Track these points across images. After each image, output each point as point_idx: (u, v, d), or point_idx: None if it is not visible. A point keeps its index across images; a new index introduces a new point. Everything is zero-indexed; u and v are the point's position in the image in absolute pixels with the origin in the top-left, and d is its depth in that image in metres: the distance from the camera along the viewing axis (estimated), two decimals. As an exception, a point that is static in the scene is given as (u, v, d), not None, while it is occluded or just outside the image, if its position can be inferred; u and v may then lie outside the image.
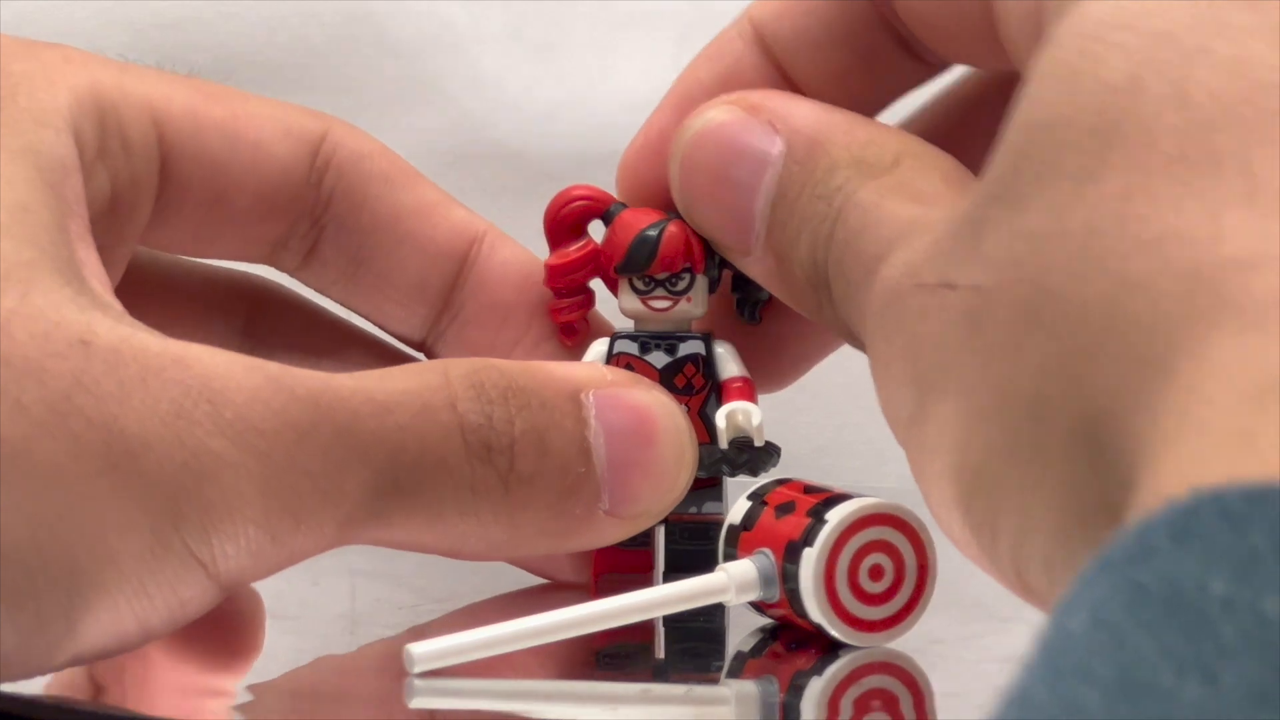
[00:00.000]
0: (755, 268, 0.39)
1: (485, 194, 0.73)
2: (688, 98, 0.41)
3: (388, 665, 0.42)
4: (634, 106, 0.80)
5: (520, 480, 0.37)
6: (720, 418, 0.42)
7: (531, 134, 0.74)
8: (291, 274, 0.44)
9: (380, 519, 0.36)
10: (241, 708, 0.39)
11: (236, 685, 0.41)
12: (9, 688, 0.36)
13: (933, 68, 0.41)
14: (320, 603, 0.47)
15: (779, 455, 0.43)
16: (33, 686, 0.36)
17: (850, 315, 0.36)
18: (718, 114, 0.39)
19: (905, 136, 0.37)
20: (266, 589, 0.49)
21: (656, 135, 0.42)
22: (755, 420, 0.42)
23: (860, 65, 0.40)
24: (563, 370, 0.39)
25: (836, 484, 0.42)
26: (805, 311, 0.38)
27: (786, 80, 0.41)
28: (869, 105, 0.41)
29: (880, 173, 0.36)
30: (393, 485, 0.35)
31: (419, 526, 0.36)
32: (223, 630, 0.42)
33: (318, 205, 0.42)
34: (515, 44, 0.75)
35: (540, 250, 0.45)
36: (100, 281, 0.36)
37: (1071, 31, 0.31)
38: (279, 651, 0.43)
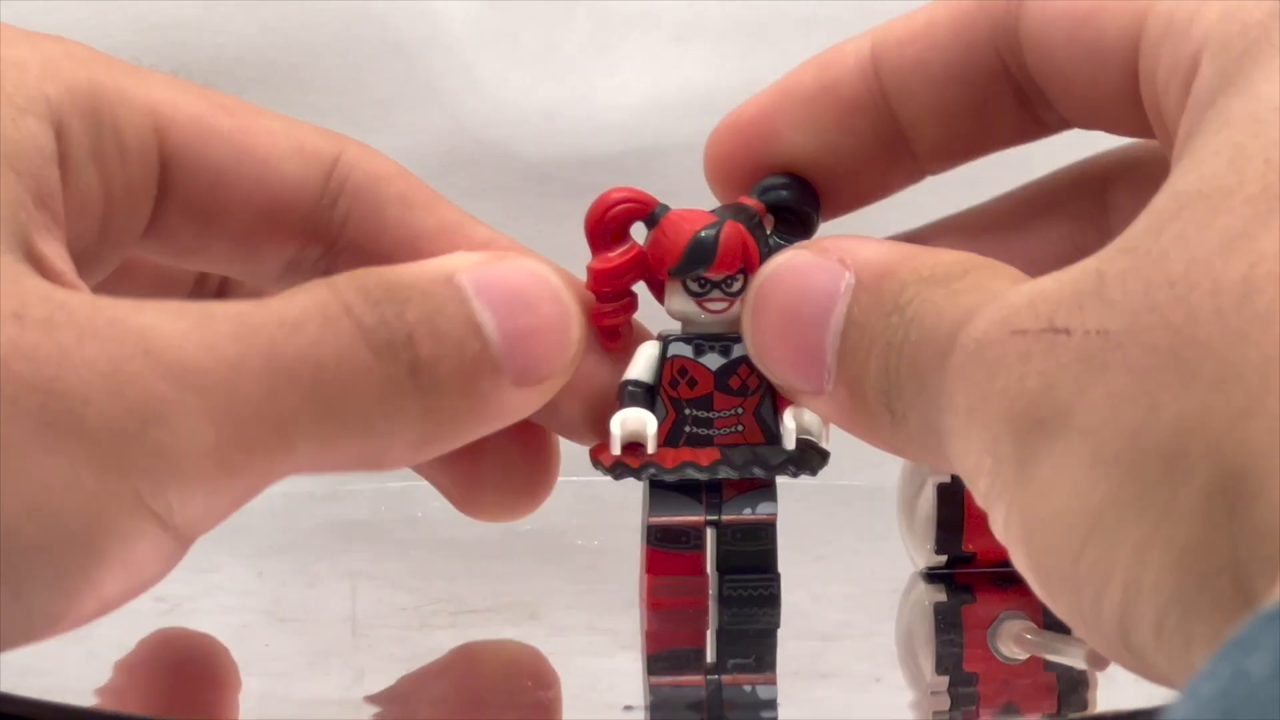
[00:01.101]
0: (828, 405, 0.39)
1: (483, 194, 0.73)
2: (786, 93, 0.42)
3: (390, 666, 0.42)
4: (632, 108, 0.81)
5: (425, 366, 0.37)
6: (788, 418, 0.42)
7: (529, 135, 0.74)
8: None
9: (319, 442, 0.36)
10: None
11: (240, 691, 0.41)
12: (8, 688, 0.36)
13: (1044, 127, 0.41)
14: (321, 604, 0.47)
15: (829, 458, 0.43)
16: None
17: (920, 415, 0.36)
18: (786, 258, 0.39)
19: (972, 256, 0.37)
20: (267, 591, 0.49)
21: (746, 117, 0.42)
22: (819, 422, 0.42)
23: (971, 111, 0.40)
24: (434, 262, 0.39)
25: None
26: (880, 438, 0.38)
27: (888, 109, 0.41)
28: (967, 151, 0.41)
29: (948, 282, 0.36)
30: (323, 407, 0.36)
31: (352, 442, 0.36)
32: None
33: (331, 229, 0.42)
34: (513, 45, 0.75)
35: (545, 251, 0.45)
36: (62, 262, 0.37)
37: (1244, 111, 0.31)
38: (281, 653, 0.43)
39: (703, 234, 0.42)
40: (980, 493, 0.34)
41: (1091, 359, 0.31)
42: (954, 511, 0.48)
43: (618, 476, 0.42)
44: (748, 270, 0.42)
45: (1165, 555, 0.29)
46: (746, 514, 0.43)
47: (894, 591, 0.49)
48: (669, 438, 0.42)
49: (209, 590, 0.48)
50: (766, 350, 0.40)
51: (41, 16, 0.76)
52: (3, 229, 0.35)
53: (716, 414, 0.42)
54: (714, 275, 0.42)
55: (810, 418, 0.42)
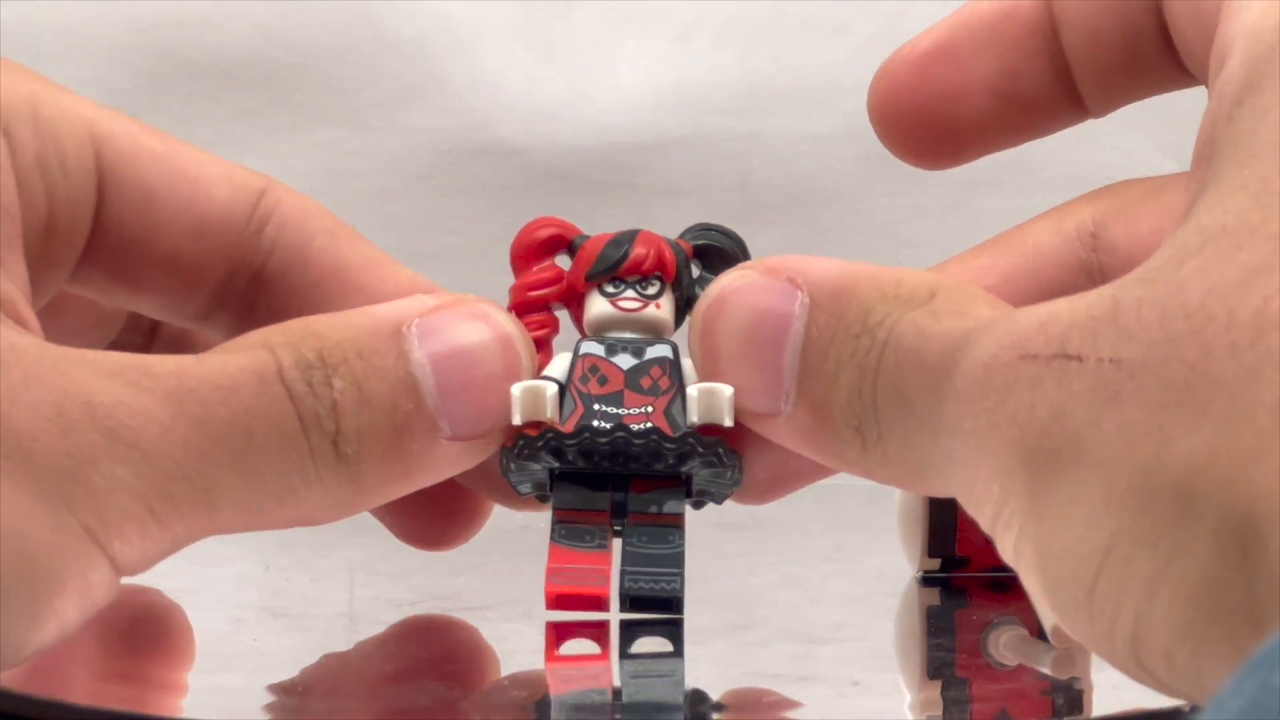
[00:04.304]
0: (786, 428, 0.38)
1: (486, 192, 0.73)
2: (965, 21, 0.42)
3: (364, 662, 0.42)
4: (634, 105, 0.81)
5: (348, 438, 0.37)
6: (691, 388, 0.41)
7: (532, 132, 0.74)
8: (229, 332, 0.44)
9: (242, 505, 0.36)
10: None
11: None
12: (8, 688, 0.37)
13: (1190, 76, 0.41)
14: (319, 599, 0.47)
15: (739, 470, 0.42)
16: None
17: (904, 438, 0.35)
18: (734, 279, 0.39)
19: (935, 275, 0.37)
20: (266, 586, 0.49)
21: (924, 47, 0.42)
22: (726, 393, 0.40)
23: (1123, 42, 0.40)
24: (384, 309, 0.38)
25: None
26: (845, 461, 0.37)
27: (1054, 38, 0.41)
28: (1121, 88, 0.41)
29: (921, 303, 0.36)
30: (249, 473, 0.36)
31: (276, 506, 0.37)
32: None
33: (258, 256, 0.42)
34: (516, 43, 0.75)
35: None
36: (19, 284, 0.37)
37: (1272, 141, 0.31)
38: (279, 648, 0.43)
39: (618, 238, 0.42)
40: (986, 520, 0.33)
41: (1104, 389, 0.31)
42: (946, 515, 0.48)
43: (517, 467, 0.41)
44: (664, 276, 0.42)
45: (1176, 592, 0.29)
46: (652, 511, 0.43)
47: (896, 594, 0.49)
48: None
49: (211, 583, 0.48)
50: (718, 372, 0.39)
51: (41, 16, 0.76)
52: None
53: (625, 411, 0.42)
54: (628, 276, 0.42)
55: (716, 394, 0.41)
